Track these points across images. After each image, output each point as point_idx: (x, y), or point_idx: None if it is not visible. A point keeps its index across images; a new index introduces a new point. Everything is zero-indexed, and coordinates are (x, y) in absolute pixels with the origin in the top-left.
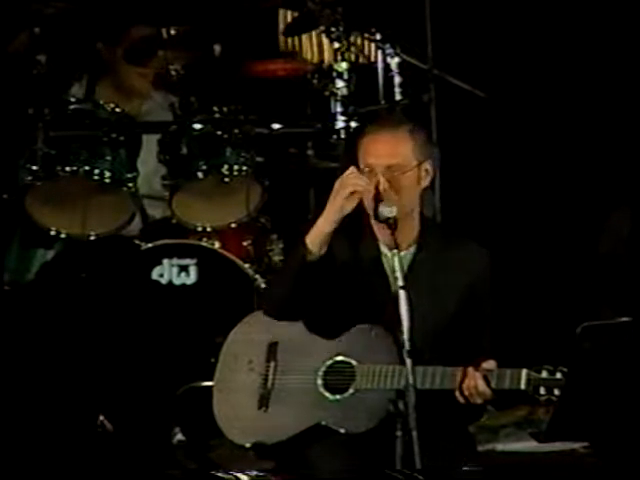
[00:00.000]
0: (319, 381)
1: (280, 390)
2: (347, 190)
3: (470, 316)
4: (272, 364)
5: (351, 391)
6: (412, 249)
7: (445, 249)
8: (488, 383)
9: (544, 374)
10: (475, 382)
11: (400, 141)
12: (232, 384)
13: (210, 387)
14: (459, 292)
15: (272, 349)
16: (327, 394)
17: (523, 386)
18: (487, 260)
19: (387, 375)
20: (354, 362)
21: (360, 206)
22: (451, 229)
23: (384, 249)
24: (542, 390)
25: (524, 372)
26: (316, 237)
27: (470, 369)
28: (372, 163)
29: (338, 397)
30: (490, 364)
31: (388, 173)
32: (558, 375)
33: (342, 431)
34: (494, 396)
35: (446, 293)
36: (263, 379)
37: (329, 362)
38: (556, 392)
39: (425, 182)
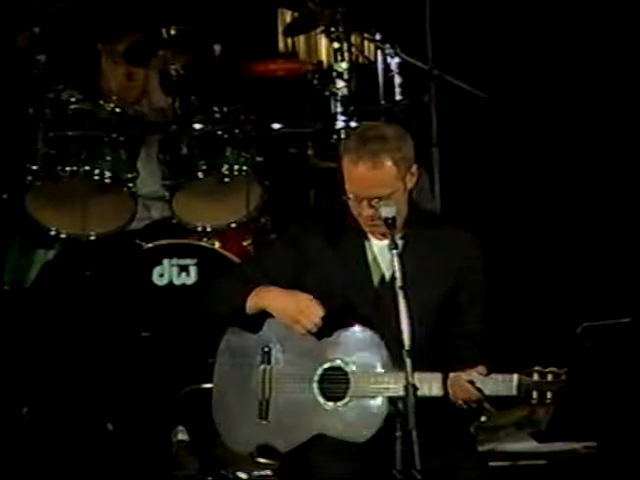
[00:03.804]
0: (315, 389)
1: (278, 398)
2: (303, 325)
3: (461, 301)
4: (267, 371)
5: (347, 399)
6: (399, 236)
7: (433, 235)
8: (480, 389)
9: (535, 377)
10: (466, 394)
11: (384, 173)
12: (229, 393)
13: (211, 389)
14: (448, 277)
15: (266, 355)
16: (324, 402)
17: (514, 392)
18: (476, 244)
19: (382, 383)
20: (347, 369)
21: (344, 202)
22: (441, 216)
23: (372, 239)
24: (534, 394)
25: (515, 378)
26: (255, 309)
27: (460, 377)
28: (357, 194)
29: (336, 405)
30: (480, 370)
31: (375, 200)
32: (549, 377)
33: (342, 439)
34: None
35: (435, 278)
36: (261, 387)
37: (322, 368)
38: (549, 395)
39: (411, 184)
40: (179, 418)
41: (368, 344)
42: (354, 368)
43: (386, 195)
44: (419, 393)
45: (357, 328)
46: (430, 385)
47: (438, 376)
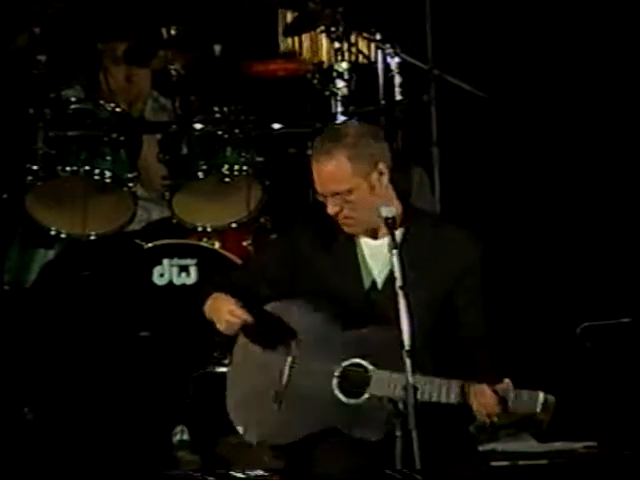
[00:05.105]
0: (334, 383)
1: (295, 388)
2: (222, 326)
3: (460, 302)
4: (289, 360)
5: (366, 396)
6: (398, 234)
7: (434, 235)
8: (505, 405)
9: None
10: (490, 409)
11: (337, 169)
12: (245, 379)
13: (223, 374)
14: (447, 277)
15: (290, 344)
16: (342, 397)
17: (539, 409)
18: (477, 245)
19: (401, 385)
20: (370, 366)
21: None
22: (441, 216)
23: (362, 238)
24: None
25: (540, 396)
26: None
27: (485, 388)
28: (320, 191)
29: (352, 402)
30: (505, 385)
31: (338, 196)
32: None
33: (354, 436)
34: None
35: (434, 278)
36: (279, 376)
37: (345, 363)
38: None
39: (384, 182)
40: (182, 415)
41: (393, 344)
42: (376, 367)
43: (344, 191)
44: (436, 399)
45: (384, 328)
46: (448, 392)
47: (457, 383)
